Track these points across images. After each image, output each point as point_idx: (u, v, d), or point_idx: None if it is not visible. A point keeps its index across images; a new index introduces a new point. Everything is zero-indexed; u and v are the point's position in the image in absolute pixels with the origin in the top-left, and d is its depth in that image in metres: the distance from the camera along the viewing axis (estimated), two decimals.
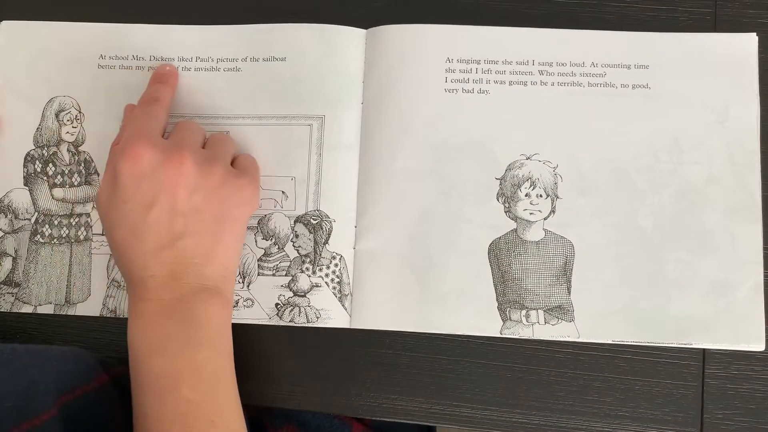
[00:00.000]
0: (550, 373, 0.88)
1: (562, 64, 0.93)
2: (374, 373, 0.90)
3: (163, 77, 0.94)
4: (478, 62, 0.94)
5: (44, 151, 0.95)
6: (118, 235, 0.81)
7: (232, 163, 0.89)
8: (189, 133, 0.87)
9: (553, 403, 0.88)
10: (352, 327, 0.90)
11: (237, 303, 0.91)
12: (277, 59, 0.96)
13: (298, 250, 0.92)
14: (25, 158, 0.95)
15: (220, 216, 0.83)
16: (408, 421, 0.90)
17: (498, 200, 0.90)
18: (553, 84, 0.93)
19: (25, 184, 0.95)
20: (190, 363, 0.78)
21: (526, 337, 0.88)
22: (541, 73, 0.93)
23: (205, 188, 0.82)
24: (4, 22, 0.99)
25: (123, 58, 0.98)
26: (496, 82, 0.93)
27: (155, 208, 0.79)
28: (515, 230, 0.90)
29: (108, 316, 0.92)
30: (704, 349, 0.88)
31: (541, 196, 0.90)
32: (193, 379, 0.77)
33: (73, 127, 0.96)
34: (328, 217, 0.92)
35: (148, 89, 0.93)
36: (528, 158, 0.91)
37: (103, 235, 0.93)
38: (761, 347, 0.86)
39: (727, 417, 0.87)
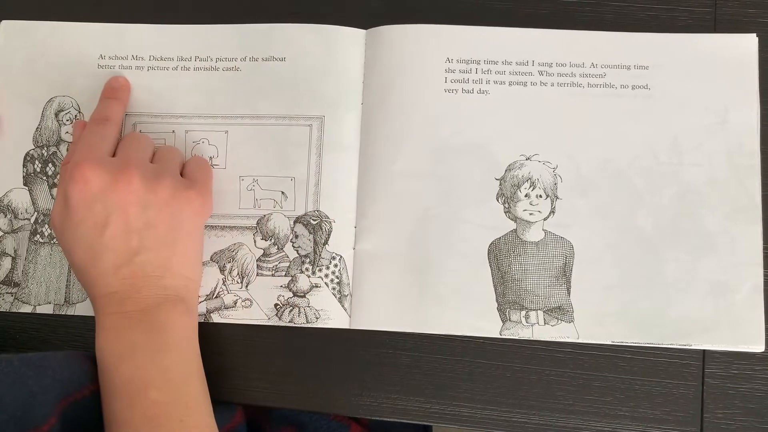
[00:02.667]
0: (550, 373, 0.88)
1: (562, 65, 0.93)
2: (374, 373, 0.90)
3: (114, 92, 0.95)
4: (478, 62, 0.94)
5: (44, 151, 0.95)
6: (75, 255, 0.82)
7: (181, 172, 0.90)
8: (135, 147, 0.87)
9: (553, 403, 0.88)
10: (352, 327, 0.90)
11: (235, 303, 0.91)
12: (276, 59, 0.96)
13: (297, 251, 0.92)
14: (25, 158, 0.95)
15: (174, 228, 0.84)
16: (408, 421, 0.89)
17: (498, 201, 0.90)
18: (552, 84, 0.93)
19: (25, 184, 0.95)
20: (157, 367, 0.79)
21: (525, 338, 0.88)
22: (540, 73, 0.93)
23: (156, 203, 0.83)
24: (4, 21, 0.99)
25: (122, 58, 0.98)
26: (495, 82, 0.93)
27: (109, 228, 0.81)
28: (515, 231, 0.90)
29: None
30: (704, 349, 0.87)
31: (540, 196, 0.90)
32: (160, 381, 0.78)
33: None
34: (328, 218, 0.92)
35: (99, 106, 0.94)
36: (528, 159, 0.91)
37: None
38: (761, 348, 0.86)
39: (728, 417, 0.87)
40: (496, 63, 0.94)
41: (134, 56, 0.98)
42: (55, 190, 0.94)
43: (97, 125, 0.89)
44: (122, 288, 0.81)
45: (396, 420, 0.89)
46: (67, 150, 0.95)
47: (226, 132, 0.95)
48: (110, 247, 0.81)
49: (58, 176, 0.94)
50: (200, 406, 0.81)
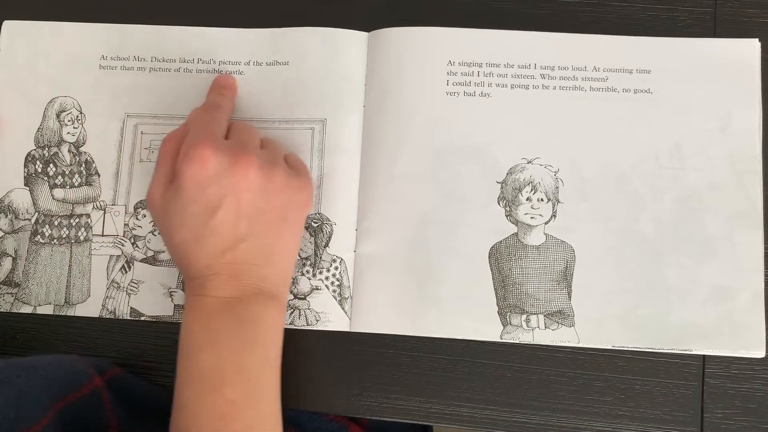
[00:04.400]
0: (550, 373, 0.89)
1: (564, 68, 0.93)
2: (374, 373, 0.90)
3: (222, 89, 0.94)
4: (480, 65, 0.94)
5: (45, 152, 0.95)
6: (178, 236, 0.81)
7: None
8: (248, 135, 0.86)
9: (553, 403, 0.88)
10: (352, 330, 0.90)
11: None
12: (280, 63, 0.96)
13: (298, 253, 0.92)
14: (26, 158, 0.95)
15: (282, 218, 0.84)
16: (408, 421, 0.90)
17: (499, 204, 0.90)
18: (554, 88, 0.93)
19: (26, 185, 0.95)
20: (238, 363, 0.78)
21: (526, 342, 0.88)
22: (542, 77, 0.93)
23: (270, 191, 0.82)
24: (6, 21, 0.99)
25: (125, 59, 0.98)
26: (497, 85, 0.93)
27: (220, 212, 0.80)
28: (516, 234, 0.90)
29: (107, 317, 0.92)
30: None
31: (542, 200, 0.90)
32: (236, 379, 0.77)
33: (74, 127, 0.96)
34: (329, 221, 0.92)
35: (209, 97, 0.94)
36: (529, 162, 0.91)
37: (103, 236, 0.93)
38: (761, 354, 0.86)
39: (728, 416, 0.87)
40: (498, 66, 0.94)
41: (136, 57, 0.98)
42: (56, 191, 0.94)
43: (210, 110, 0.89)
44: (222, 272, 0.81)
45: (396, 420, 0.90)
46: (69, 151, 0.95)
47: None
48: (218, 230, 0.80)
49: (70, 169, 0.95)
50: (272, 416, 0.81)
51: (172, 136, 0.86)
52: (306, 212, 0.89)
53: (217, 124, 0.86)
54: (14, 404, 0.70)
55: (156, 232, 0.93)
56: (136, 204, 0.94)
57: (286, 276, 0.86)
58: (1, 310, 0.92)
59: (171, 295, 0.92)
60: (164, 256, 0.93)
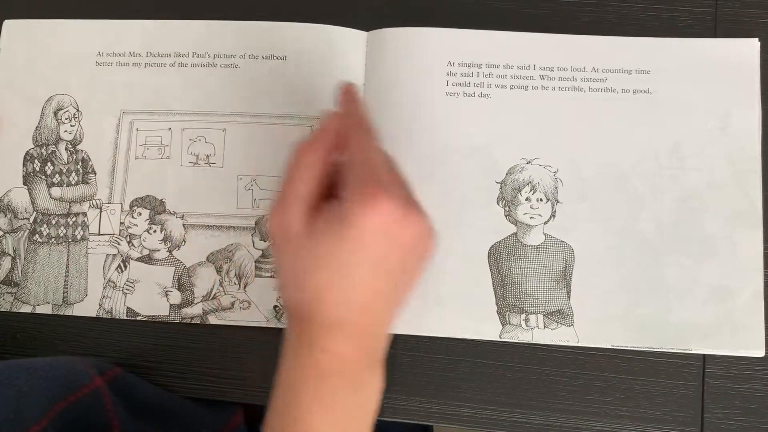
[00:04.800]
0: (550, 373, 0.88)
1: (563, 69, 0.93)
2: None
3: (354, 97, 0.79)
4: (480, 66, 0.94)
5: (43, 150, 0.95)
6: (319, 277, 0.70)
7: None
8: (401, 173, 0.76)
9: (553, 403, 0.88)
10: None
11: (233, 305, 0.91)
12: (277, 58, 0.96)
13: None
14: (25, 157, 0.96)
15: (418, 274, 0.75)
16: (408, 421, 0.89)
17: (498, 204, 0.90)
18: (554, 89, 0.93)
19: (25, 183, 0.95)
20: None
21: (525, 341, 0.88)
22: (542, 77, 0.93)
23: (420, 247, 0.72)
24: (6, 21, 1.00)
25: (120, 55, 0.98)
26: (497, 86, 0.93)
27: (380, 267, 0.70)
28: (515, 234, 0.90)
29: (104, 316, 0.92)
30: None
31: (541, 200, 0.90)
32: None
33: (71, 125, 0.96)
34: None
35: (353, 109, 0.78)
36: (528, 162, 0.91)
37: (99, 234, 0.93)
38: (761, 353, 0.86)
39: (728, 416, 0.87)
40: (497, 67, 0.94)
41: (131, 53, 0.98)
42: (53, 190, 0.95)
43: (370, 132, 0.76)
44: (349, 329, 0.71)
45: (396, 420, 0.89)
46: (66, 149, 0.95)
47: (224, 130, 0.95)
48: (367, 284, 0.70)
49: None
50: None
51: (312, 147, 0.75)
52: None
53: (383, 155, 0.75)
54: (14, 405, 0.70)
55: (152, 230, 0.93)
56: (132, 202, 0.94)
57: (388, 334, 0.77)
58: (1, 309, 0.93)
59: (167, 295, 0.92)
60: (159, 255, 0.93)
